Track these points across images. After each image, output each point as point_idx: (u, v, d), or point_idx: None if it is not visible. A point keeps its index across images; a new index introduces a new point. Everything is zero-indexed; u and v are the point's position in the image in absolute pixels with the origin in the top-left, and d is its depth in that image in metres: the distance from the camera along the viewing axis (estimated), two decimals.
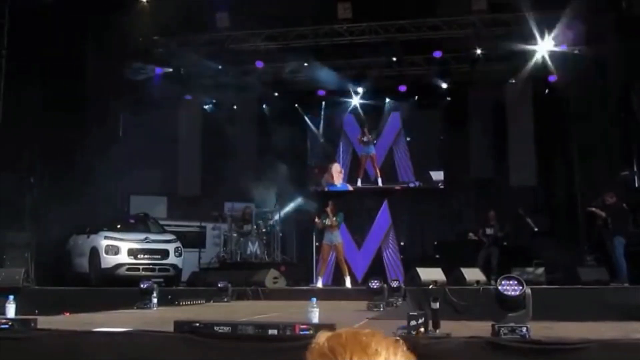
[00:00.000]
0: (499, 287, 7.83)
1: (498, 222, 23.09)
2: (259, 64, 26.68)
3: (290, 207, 27.51)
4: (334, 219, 20.28)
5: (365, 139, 27.97)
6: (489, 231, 22.97)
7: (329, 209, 20.45)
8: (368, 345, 3.21)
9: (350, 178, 28.46)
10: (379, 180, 28.19)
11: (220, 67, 26.23)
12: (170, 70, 26.19)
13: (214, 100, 28.44)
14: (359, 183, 28.22)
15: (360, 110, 28.63)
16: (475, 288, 17.19)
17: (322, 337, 3.28)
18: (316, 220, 20.97)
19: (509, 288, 7.79)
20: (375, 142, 28.22)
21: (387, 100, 28.41)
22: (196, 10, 23.57)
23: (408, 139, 28.67)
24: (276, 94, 27.97)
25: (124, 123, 26.04)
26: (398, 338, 3.30)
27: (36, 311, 18.39)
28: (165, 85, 25.98)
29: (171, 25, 24.15)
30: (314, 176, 28.89)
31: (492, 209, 23.48)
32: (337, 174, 28.27)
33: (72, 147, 22.27)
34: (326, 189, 27.88)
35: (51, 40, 21.00)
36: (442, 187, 27.86)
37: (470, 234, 23.15)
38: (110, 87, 24.43)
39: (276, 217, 26.14)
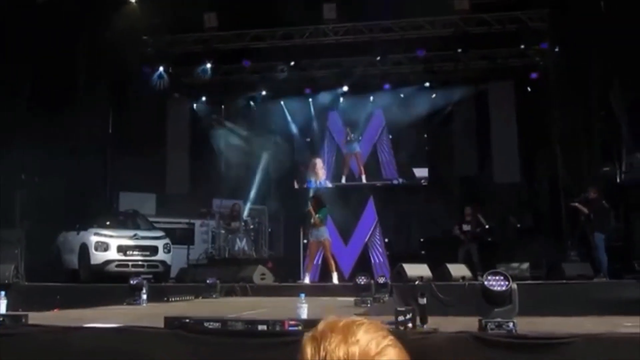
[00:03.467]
0: (485, 283, 7.80)
1: (474, 217, 23.08)
2: (246, 63, 26.65)
3: (277, 203, 27.48)
4: (316, 216, 20.13)
5: (349, 137, 27.89)
6: (465, 227, 22.92)
7: (310, 207, 20.34)
8: (353, 333, 3.19)
9: (335, 175, 28.35)
10: (363, 177, 28.10)
11: (208, 65, 26.06)
12: (160, 68, 25.99)
13: (202, 98, 28.30)
14: (344, 180, 28.10)
15: (344, 108, 28.60)
16: (461, 284, 17.15)
17: (323, 322, 3.27)
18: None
19: (495, 283, 7.76)
20: (359, 139, 28.11)
21: (372, 98, 28.24)
22: (185, 11, 23.52)
23: (391, 136, 28.51)
24: (263, 93, 27.90)
25: (113, 120, 25.98)
26: (390, 335, 3.27)
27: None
28: (154, 83, 25.86)
29: (160, 25, 24.14)
30: (300, 173, 28.75)
31: (471, 205, 23.47)
32: (321, 171, 28.11)
33: (61, 144, 22.16)
34: (305, 186, 27.78)
35: (40, 38, 20.93)
36: (425, 184, 27.66)
37: (455, 229, 23.09)
38: (99, 84, 24.42)
39: (264, 213, 26.16)
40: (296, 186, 28.18)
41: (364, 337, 3.20)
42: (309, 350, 3.22)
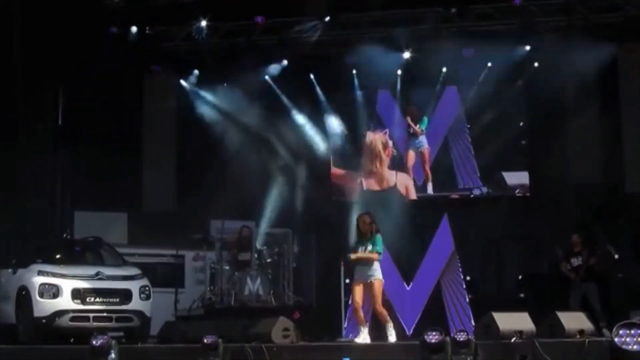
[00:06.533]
0: (615, 339, 7.82)
1: (587, 246, 22.88)
2: (259, 19, 26.60)
3: (306, 226, 27.43)
4: (369, 248, 19.20)
5: (411, 129, 27.68)
6: (575, 262, 22.76)
7: (360, 229, 19.62)
8: None
9: None
10: (429, 186, 27.97)
11: (203, 23, 26.04)
12: (132, 28, 25.93)
13: (195, 72, 28.28)
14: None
15: (403, 85, 28.41)
16: (578, 340, 17.05)
17: None
18: (351, 256, 20.19)
19: (631, 340, 7.76)
20: (425, 131, 27.89)
21: (444, 69, 28.01)
22: None
23: (470, 125, 28.35)
24: (284, 62, 27.95)
25: (65, 107, 26.00)
26: None
27: None
28: (124, 51, 25.84)
29: None
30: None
31: (581, 231, 23.31)
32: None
33: None
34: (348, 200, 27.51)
35: None
36: (521, 194, 27.49)
37: (564, 266, 22.91)
38: (44, 54, 24.41)
39: (287, 241, 26.10)
40: (333, 199, 28.12)
41: None
42: None
